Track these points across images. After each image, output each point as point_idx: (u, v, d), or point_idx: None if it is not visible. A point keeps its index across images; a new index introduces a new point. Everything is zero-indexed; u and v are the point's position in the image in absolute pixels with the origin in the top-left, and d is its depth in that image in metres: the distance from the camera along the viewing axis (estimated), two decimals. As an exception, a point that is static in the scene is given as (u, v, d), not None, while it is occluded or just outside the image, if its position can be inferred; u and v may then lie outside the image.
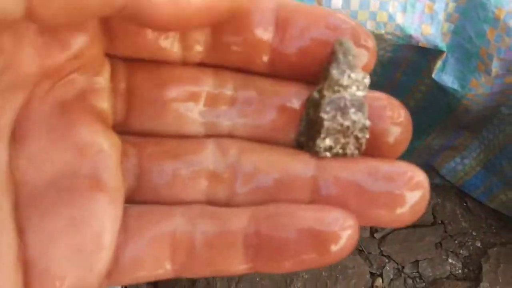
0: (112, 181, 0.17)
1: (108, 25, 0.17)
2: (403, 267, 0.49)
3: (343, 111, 0.17)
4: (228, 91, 0.18)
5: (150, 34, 0.17)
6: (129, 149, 0.18)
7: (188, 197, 0.18)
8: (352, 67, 0.17)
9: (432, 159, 0.51)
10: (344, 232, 0.16)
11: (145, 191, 0.18)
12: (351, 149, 0.17)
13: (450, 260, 0.49)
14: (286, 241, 0.16)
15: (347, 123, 0.17)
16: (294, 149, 0.18)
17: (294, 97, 0.18)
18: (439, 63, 0.35)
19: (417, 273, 0.48)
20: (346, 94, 0.17)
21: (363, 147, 0.17)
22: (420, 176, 0.16)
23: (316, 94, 0.18)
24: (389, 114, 0.17)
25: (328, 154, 0.17)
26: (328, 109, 0.17)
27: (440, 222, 0.50)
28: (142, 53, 0.18)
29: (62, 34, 0.16)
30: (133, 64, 0.19)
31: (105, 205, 0.16)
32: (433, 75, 0.36)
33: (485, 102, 0.37)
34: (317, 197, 0.17)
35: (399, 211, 0.16)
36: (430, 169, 0.52)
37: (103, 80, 0.18)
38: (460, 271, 0.49)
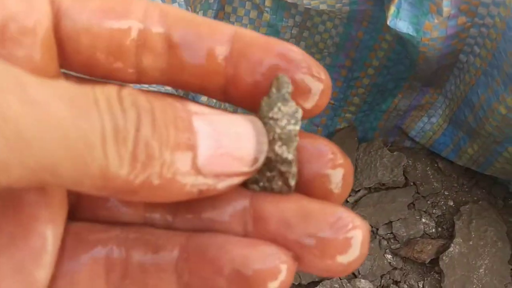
0: (56, 198, 0.17)
1: (61, 46, 0.17)
2: (377, 229, 0.49)
3: (270, 144, 0.17)
4: None
5: (103, 57, 0.17)
6: None
7: (125, 219, 0.18)
8: (284, 101, 0.17)
9: (401, 121, 0.51)
10: (279, 268, 0.15)
11: (84, 209, 0.18)
12: (277, 184, 0.17)
13: (423, 220, 0.49)
14: (213, 275, 0.16)
15: (269, 155, 0.17)
16: None
17: None
18: (393, 9, 0.36)
19: (391, 234, 0.48)
20: (276, 128, 0.17)
21: (291, 182, 0.17)
22: (359, 223, 0.15)
23: None
24: (330, 157, 0.17)
25: (255, 187, 0.17)
26: None
27: (412, 183, 0.50)
28: (96, 74, 0.18)
29: None
30: None
31: (47, 222, 0.16)
32: (388, 22, 0.36)
33: (443, 49, 0.37)
34: (250, 230, 0.16)
35: (331, 260, 0.15)
36: (400, 132, 0.52)
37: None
38: (433, 230, 0.49)
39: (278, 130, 0.17)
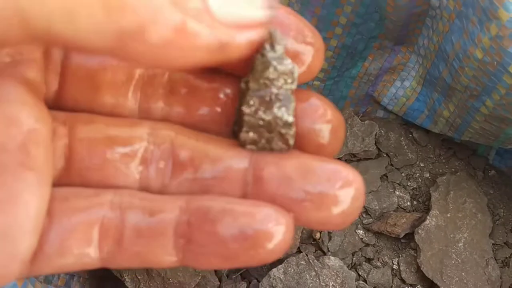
0: (41, 159, 0.16)
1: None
2: (347, 203, 0.45)
3: (267, 105, 0.17)
4: (163, 77, 0.18)
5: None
6: (59, 128, 0.17)
7: (118, 182, 0.17)
8: (279, 59, 0.16)
9: (372, 88, 0.47)
10: (277, 229, 0.15)
11: (73, 174, 0.17)
12: (277, 144, 0.17)
13: (397, 193, 0.45)
14: (217, 236, 0.16)
15: (268, 118, 0.16)
16: (230, 140, 0.18)
17: (228, 88, 0.18)
18: None
19: (362, 208, 0.44)
20: (272, 87, 0.16)
21: (291, 142, 0.17)
22: (354, 176, 0.16)
23: (243, 86, 0.17)
24: (320, 112, 0.17)
25: (254, 147, 0.17)
26: (251, 102, 0.17)
27: (385, 154, 0.47)
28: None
29: None
30: None
31: (32, 185, 0.15)
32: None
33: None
34: (249, 191, 0.16)
35: (329, 212, 0.15)
36: (372, 101, 0.49)
37: (37, 51, 0.17)
38: (408, 203, 0.45)
39: (275, 91, 0.16)
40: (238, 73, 0.18)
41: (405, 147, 0.47)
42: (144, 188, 0.17)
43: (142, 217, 0.16)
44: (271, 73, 0.16)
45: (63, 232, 0.16)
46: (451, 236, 0.42)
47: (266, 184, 0.16)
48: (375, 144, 0.46)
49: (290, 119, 0.16)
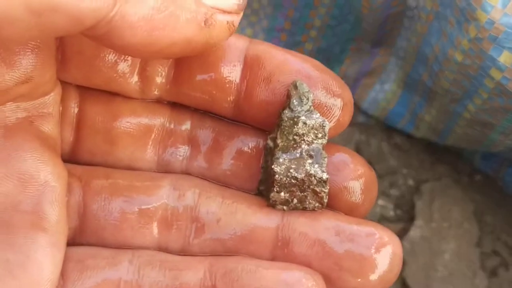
0: (55, 219, 0.15)
1: (62, 48, 0.16)
2: (328, 215, 0.43)
3: (298, 162, 0.16)
4: (184, 128, 0.17)
5: (106, 61, 0.16)
6: (74, 183, 0.16)
7: (136, 242, 0.16)
8: (307, 113, 0.16)
9: (352, 91, 0.45)
10: None
11: (89, 233, 0.16)
12: (311, 203, 0.16)
13: (380, 202, 0.43)
14: None
15: (301, 176, 0.16)
16: (256, 197, 0.17)
17: (251, 142, 0.18)
18: None
19: (343, 219, 0.42)
20: (302, 143, 0.16)
21: (325, 200, 0.16)
22: (390, 237, 0.15)
23: (270, 142, 0.16)
24: (351, 169, 0.16)
25: (284, 207, 0.16)
26: (281, 160, 0.16)
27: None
28: (96, 80, 0.17)
29: (13, 55, 0.14)
30: (86, 90, 0.17)
31: (46, 248, 0.14)
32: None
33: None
34: (279, 253, 0.16)
35: (367, 277, 0.15)
36: (351, 106, 0.47)
37: (53, 104, 0.16)
38: (392, 212, 0.43)
39: (305, 147, 0.16)
40: (261, 126, 0.17)
41: (387, 153, 0.45)
42: (164, 248, 0.16)
43: (163, 281, 0.15)
44: (300, 128, 0.16)
45: None
46: (437, 247, 0.40)
47: (298, 247, 0.15)
48: (356, 151, 0.44)
49: (325, 176, 0.16)
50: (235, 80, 0.16)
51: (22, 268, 0.14)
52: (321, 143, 0.16)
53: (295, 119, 0.16)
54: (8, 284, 0.13)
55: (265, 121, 0.17)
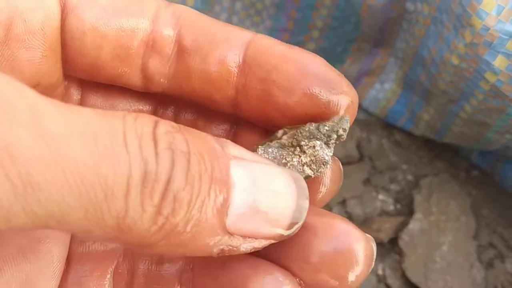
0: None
1: (65, 50, 0.16)
2: (330, 209, 0.44)
3: (282, 157, 0.16)
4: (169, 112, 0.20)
5: (108, 59, 0.17)
6: None
7: None
8: (326, 143, 0.15)
9: (352, 90, 0.46)
10: None
11: None
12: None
13: (380, 197, 0.44)
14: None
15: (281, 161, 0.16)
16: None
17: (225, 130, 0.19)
18: None
19: (346, 214, 0.44)
20: (294, 157, 0.16)
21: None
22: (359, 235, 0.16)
23: (280, 132, 0.17)
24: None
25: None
26: (270, 150, 0.16)
27: (366, 158, 0.46)
28: (100, 77, 0.17)
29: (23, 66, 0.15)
30: (87, 84, 0.18)
31: (55, 232, 0.15)
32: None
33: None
34: None
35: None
36: (352, 104, 0.48)
37: (57, 97, 0.17)
38: (392, 207, 0.44)
39: (294, 163, 0.16)
40: (260, 123, 0.18)
41: (387, 149, 0.46)
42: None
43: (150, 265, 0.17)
44: (307, 147, 0.15)
45: (81, 277, 0.16)
46: (435, 239, 0.41)
47: None
48: (357, 148, 0.46)
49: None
50: (234, 77, 0.17)
51: (34, 251, 0.15)
52: (308, 175, 0.16)
53: (311, 137, 0.15)
54: (20, 266, 0.15)
55: (261, 117, 0.17)
